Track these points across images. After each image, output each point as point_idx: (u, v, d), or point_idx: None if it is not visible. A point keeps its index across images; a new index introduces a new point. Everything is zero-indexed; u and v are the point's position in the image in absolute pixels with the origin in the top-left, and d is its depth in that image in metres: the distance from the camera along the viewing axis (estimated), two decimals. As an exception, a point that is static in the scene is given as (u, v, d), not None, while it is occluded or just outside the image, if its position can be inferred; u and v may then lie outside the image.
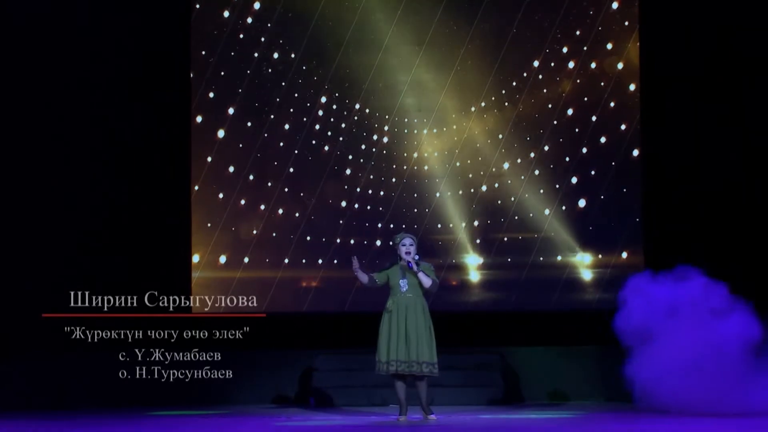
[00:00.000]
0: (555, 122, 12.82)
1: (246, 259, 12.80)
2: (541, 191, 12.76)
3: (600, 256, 12.69)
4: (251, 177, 12.91)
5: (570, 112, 12.80)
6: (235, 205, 12.87)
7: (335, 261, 12.74)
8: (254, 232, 12.85)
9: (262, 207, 12.88)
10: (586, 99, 12.80)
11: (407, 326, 9.65)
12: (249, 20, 12.97)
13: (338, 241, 12.84)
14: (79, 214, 12.37)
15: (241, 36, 12.95)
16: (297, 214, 12.87)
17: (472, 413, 10.46)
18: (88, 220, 12.40)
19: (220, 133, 12.90)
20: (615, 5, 12.82)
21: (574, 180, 12.81)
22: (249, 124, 12.94)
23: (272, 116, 12.93)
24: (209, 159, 12.87)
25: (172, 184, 12.73)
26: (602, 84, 12.79)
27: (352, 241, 12.84)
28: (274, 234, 12.86)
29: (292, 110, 12.94)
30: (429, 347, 9.68)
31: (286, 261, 12.79)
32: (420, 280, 9.74)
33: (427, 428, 9.28)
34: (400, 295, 9.75)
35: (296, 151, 12.89)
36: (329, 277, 12.75)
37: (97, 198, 12.47)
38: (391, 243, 10.04)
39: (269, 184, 12.91)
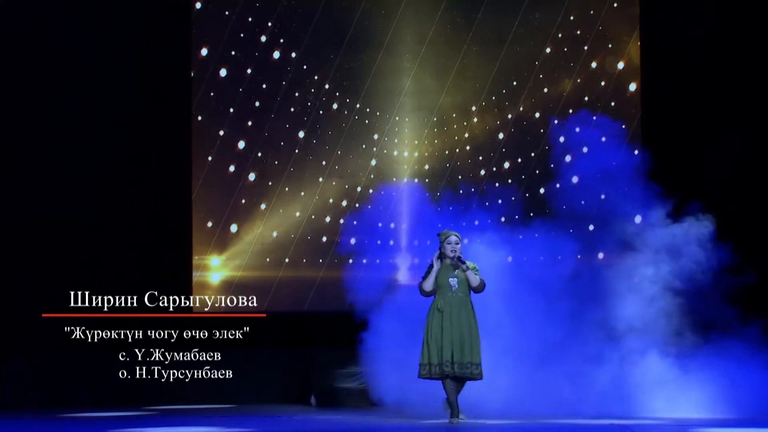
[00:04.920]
0: (555, 122, 12.82)
1: (246, 259, 12.79)
2: (542, 191, 12.77)
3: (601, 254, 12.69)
4: (251, 176, 12.90)
5: (570, 112, 12.79)
6: (235, 204, 12.87)
7: (336, 261, 12.74)
8: (254, 231, 12.85)
9: (263, 206, 12.88)
10: (586, 99, 12.80)
11: (461, 326, 9.34)
12: (250, 19, 12.96)
13: (338, 240, 12.83)
14: (79, 214, 12.36)
15: (242, 35, 12.95)
16: (297, 214, 12.87)
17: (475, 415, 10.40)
18: (89, 220, 12.39)
19: (221, 132, 12.90)
20: (615, 5, 12.82)
21: (574, 179, 12.79)
22: (249, 123, 12.93)
23: (272, 115, 12.93)
24: (209, 158, 12.87)
25: (172, 184, 12.72)
26: (603, 83, 12.79)
27: (352, 241, 12.85)
28: (274, 233, 12.85)
29: (292, 110, 12.94)
30: (479, 349, 9.38)
31: (287, 260, 12.79)
32: (468, 278, 9.48)
33: (434, 430, 9.18)
34: (450, 294, 9.42)
35: (296, 151, 12.89)
36: (329, 277, 12.74)
37: (97, 198, 12.45)
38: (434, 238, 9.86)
39: (269, 183, 12.90)
